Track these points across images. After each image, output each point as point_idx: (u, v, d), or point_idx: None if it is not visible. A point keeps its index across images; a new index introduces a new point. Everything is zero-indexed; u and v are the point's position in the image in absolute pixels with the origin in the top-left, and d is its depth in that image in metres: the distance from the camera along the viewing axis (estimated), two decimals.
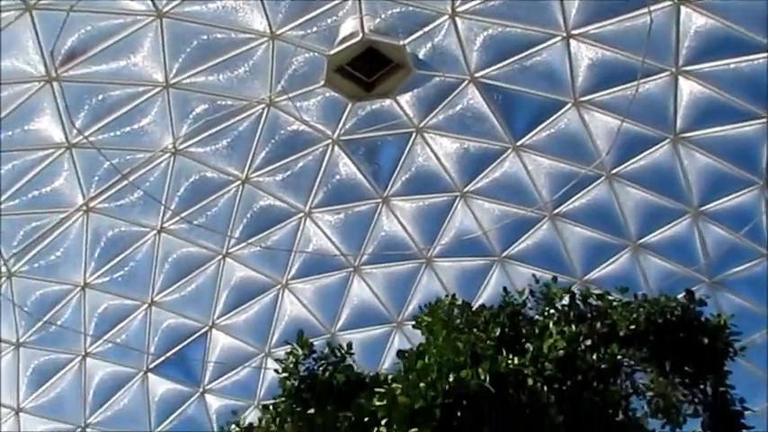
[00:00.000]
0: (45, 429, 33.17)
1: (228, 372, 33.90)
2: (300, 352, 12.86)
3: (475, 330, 13.16)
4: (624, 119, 27.35)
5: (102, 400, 33.30)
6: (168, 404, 34.01)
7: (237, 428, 12.87)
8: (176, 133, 28.35)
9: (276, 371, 13.13)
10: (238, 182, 30.34)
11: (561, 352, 12.78)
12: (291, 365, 12.77)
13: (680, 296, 14.34)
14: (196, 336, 33.65)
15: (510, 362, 12.13)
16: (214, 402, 33.50)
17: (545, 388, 12.27)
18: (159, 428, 33.82)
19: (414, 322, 14.35)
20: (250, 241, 31.59)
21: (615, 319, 13.79)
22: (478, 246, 33.03)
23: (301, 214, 31.90)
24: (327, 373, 12.80)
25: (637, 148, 29.62)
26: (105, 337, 32.22)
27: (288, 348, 13.19)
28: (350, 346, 13.09)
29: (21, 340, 31.41)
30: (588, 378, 12.94)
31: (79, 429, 33.21)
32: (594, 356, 13.16)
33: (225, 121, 28.46)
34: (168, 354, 33.43)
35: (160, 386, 33.93)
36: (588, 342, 13.35)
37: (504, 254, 33.10)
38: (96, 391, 33.12)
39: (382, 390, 11.66)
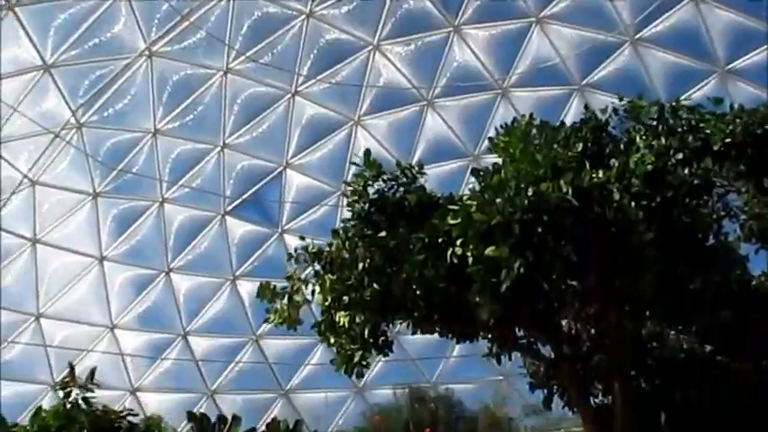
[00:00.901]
0: (129, 276, 33.93)
1: (306, 211, 33.80)
2: (369, 173, 12.16)
3: (555, 146, 12.21)
4: None
5: (182, 244, 33.79)
6: (247, 246, 34.36)
7: (306, 254, 12.42)
8: None
9: (344, 194, 12.52)
10: (302, 16, 29.28)
11: (649, 167, 11.79)
12: (360, 188, 12.13)
13: None
14: (271, 176, 33.52)
15: (594, 176, 11.21)
16: (293, 242, 33.50)
17: (632, 204, 11.37)
18: (240, 270, 34.28)
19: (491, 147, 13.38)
20: (319, 78, 30.84)
21: (709, 132, 12.59)
22: (556, 74, 31.62)
23: (370, 47, 30.81)
24: (398, 195, 12.15)
25: None
26: (181, 183, 32.32)
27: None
28: (420, 165, 12.33)
29: (97, 190, 31.70)
30: (679, 194, 11.96)
31: (162, 274, 33.87)
32: (686, 171, 12.10)
33: None
34: (244, 196, 33.49)
35: (238, 228, 34.20)
36: (679, 156, 12.26)
37: (584, 82, 31.64)
38: (176, 237, 33.57)
39: (456, 207, 10.93)
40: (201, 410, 28.09)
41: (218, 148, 32.11)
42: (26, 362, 31.68)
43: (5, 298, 31.42)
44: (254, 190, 33.49)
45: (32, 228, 31.13)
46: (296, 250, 12.89)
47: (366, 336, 11.95)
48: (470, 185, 12.78)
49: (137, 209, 33.01)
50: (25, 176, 29.80)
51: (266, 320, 12.80)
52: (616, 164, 11.90)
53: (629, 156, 12.05)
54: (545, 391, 15.80)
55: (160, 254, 33.67)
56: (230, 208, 33.72)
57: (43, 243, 31.46)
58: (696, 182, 12.13)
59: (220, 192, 32.78)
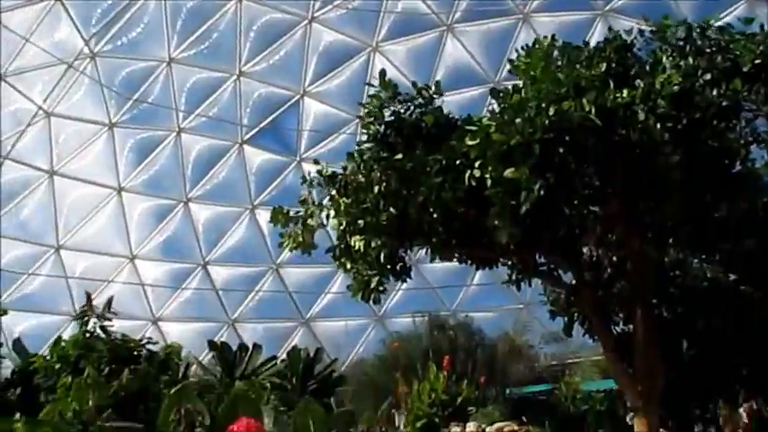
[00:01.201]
0: (147, 206, 33.93)
1: (324, 139, 33.43)
2: (384, 95, 11.76)
3: (577, 66, 11.74)
4: None
5: (200, 174, 33.69)
6: (266, 175, 34.19)
7: (320, 177, 12.13)
8: None
9: (359, 116, 12.14)
10: None
11: (676, 87, 11.28)
12: (376, 109, 11.73)
13: None
14: (288, 104, 33.13)
15: (618, 96, 10.77)
16: (312, 170, 33.22)
17: (658, 125, 10.94)
18: (259, 199, 34.15)
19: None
20: (336, 3, 30.15)
21: (738, 52, 12.04)
22: None
23: None
24: (415, 116, 11.75)
25: None
26: (197, 112, 32.02)
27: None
28: (438, 85, 11.89)
29: (113, 121, 31.49)
30: (707, 116, 11.51)
31: (181, 204, 33.82)
32: (714, 92, 11.61)
33: None
34: (262, 124, 33.17)
35: (256, 157, 34.00)
36: (707, 77, 11.72)
37: (608, 7, 30.75)
38: (194, 166, 33.46)
39: (474, 128, 10.55)
40: (223, 339, 28.52)
41: (235, 77, 31.71)
42: (48, 294, 31.96)
43: (25, 230, 31.57)
44: (271, 118, 33.16)
45: (49, 160, 31.07)
46: (309, 174, 12.61)
47: (383, 261, 11.73)
48: (490, 108, 12.38)
49: (153, 139, 32.86)
50: (40, 108, 29.62)
51: (280, 245, 12.59)
52: (641, 84, 11.43)
53: (655, 76, 11.56)
54: (565, 318, 15.64)
55: (178, 184, 33.60)
56: (248, 137, 33.46)
57: (60, 175, 31.43)
58: (725, 103, 11.65)
59: (237, 120, 32.47)
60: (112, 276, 32.69)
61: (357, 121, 31.73)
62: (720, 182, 11.92)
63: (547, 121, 10.06)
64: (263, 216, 33.52)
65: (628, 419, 21.08)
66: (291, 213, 12.44)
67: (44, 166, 31.05)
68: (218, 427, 10.64)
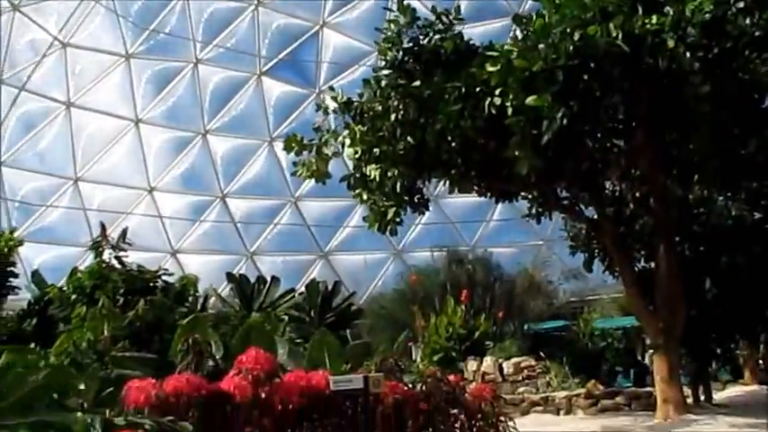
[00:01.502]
0: (165, 138, 33.65)
1: (343, 72, 32.81)
2: (403, 20, 11.34)
3: None
4: None
5: (218, 106, 33.24)
6: (285, 106, 33.64)
7: (335, 104, 11.80)
8: None
9: (376, 42, 11.74)
10: None
11: (707, 15, 10.81)
12: (393, 35, 11.34)
13: None
14: (307, 36, 32.48)
15: (647, 22, 10.31)
16: (331, 103, 32.76)
17: (687, 54, 10.49)
18: (278, 131, 33.73)
19: None
20: None
21: None
22: None
23: None
24: (433, 42, 11.35)
25: None
26: (215, 43, 31.50)
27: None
28: (458, 10, 11.46)
29: (130, 51, 31.06)
30: (739, 46, 11.03)
31: (199, 136, 33.53)
32: (747, 21, 11.12)
33: None
34: (281, 55, 32.57)
35: (275, 89, 33.45)
36: (740, 5, 11.23)
37: None
38: (212, 98, 33.01)
39: (495, 54, 10.16)
40: (241, 272, 28.39)
41: (253, 7, 31.07)
42: (66, 226, 31.93)
43: (43, 162, 31.48)
44: (290, 50, 32.53)
45: (66, 91, 30.78)
46: (324, 100, 12.28)
47: (399, 191, 11.46)
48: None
49: (171, 70, 32.38)
50: (56, 38, 29.25)
51: (293, 174, 12.35)
52: (671, 11, 10.95)
53: (686, 3, 11.07)
54: (586, 254, 15.41)
55: (196, 116, 33.23)
56: (266, 68, 32.90)
57: (78, 106, 31.14)
58: (757, 33, 11.16)
59: (256, 52, 31.92)
60: (131, 208, 32.59)
61: (377, 53, 31.23)
62: (749, 116, 11.53)
63: (571, 47, 9.68)
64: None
65: (646, 358, 20.94)
66: (306, 141, 12.15)
67: (61, 97, 30.76)
68: (230, 358, 10.51)
